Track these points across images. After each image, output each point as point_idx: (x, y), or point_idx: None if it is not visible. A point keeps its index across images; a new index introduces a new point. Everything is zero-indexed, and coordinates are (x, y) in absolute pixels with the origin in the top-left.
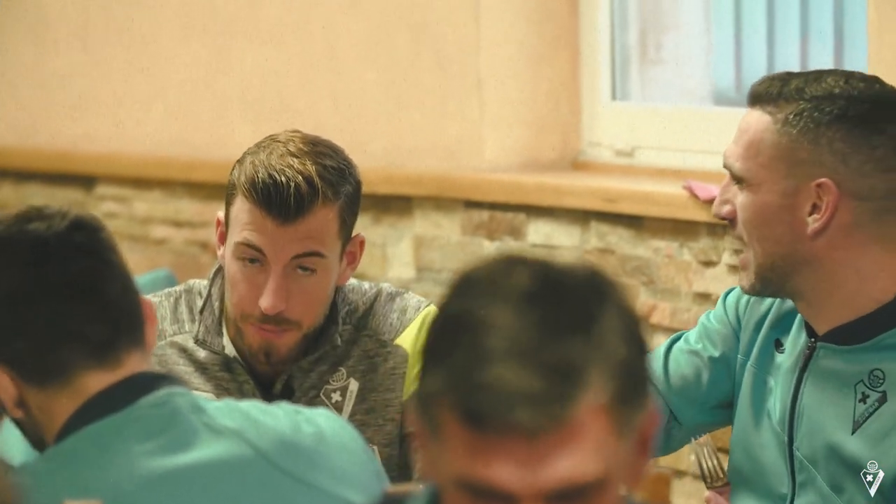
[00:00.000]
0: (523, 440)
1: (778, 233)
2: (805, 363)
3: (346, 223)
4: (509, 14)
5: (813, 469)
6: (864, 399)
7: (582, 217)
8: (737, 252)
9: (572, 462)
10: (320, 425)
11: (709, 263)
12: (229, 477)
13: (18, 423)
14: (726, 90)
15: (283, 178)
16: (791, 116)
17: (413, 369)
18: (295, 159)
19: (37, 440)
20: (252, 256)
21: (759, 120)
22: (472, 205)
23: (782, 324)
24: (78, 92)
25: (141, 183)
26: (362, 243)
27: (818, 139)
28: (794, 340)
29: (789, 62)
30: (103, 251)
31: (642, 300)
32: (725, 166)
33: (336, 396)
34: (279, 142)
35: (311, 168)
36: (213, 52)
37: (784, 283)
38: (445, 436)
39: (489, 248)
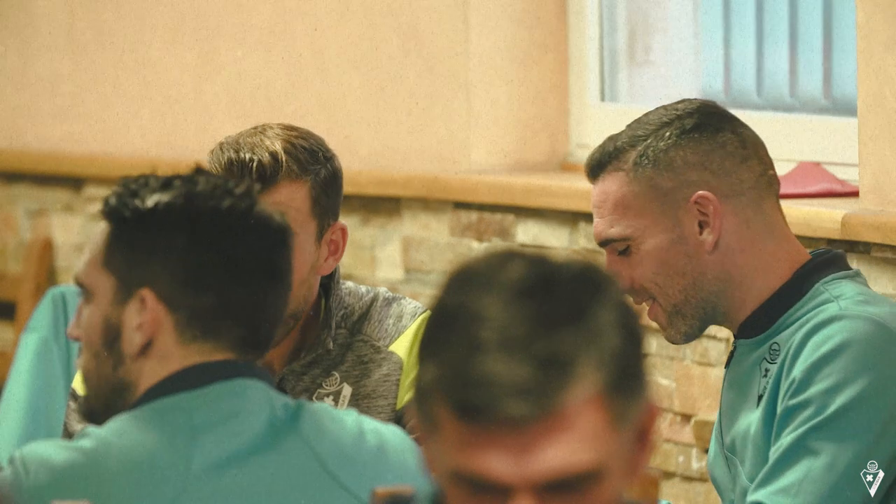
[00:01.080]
0: (514, 431)
1: (680, 266)
2: (728, 363)
3: (321, 204)
4: (497, 16)
5: (739, 465)
6: (765, 374)
7: (570, 218)
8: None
9: (564, 452)
10: (384, 438)
11: None
12: (285, 481)
13: (103, 363)
14: (715, 93)
15: (246, 154)
16: (638, 159)
17: (408, 377)
18: (266, 139)
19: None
20: None
21: (610, 182)
22: (460, 206)
23: None
24: (65, 94)
25: None
26: (344, 231)
27: (673, 163)
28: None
29: (778, 65)
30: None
31: (630, 301)
32: (602, 244)
33: (328, 401)
34: (255, 127)
35: (277, 145)
36: (200, 55)
37: (705, 312)
38: (441, 429)
39: (478, 249)
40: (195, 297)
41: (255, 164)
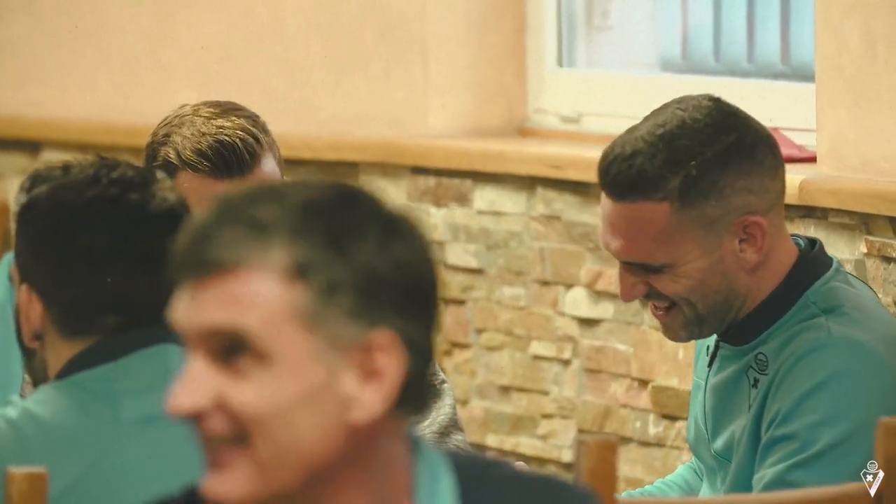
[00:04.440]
0: (197, 279)
1: (716, 285)
2: (711, 361)
3: (281, 166)
4: None
5: (728, 464)
6: (755, 384)
7: (528, 183)
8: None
9: (225, 305)
10: None
11: None
12: None
13: (25, 353)
14: (672, 57)
15: (226, 139)
16: (684, 189)
17: None
18: (220, 120)
19: (38, 374)
20: None
21: (648, 210)
22: (418, 171)
23: None
24: (23, 58)
25: (86, 148)
26: None
27: (722, 192)
28: (706, 341)
29: (735, 30)
30: None
31: (588, 266)
32: (633, 262)
33: None
34: (186, 115)
35: (238, 122)
36: (158, 19)
37: (729, 316)
38: None
39: (436, 214)
40: (64, 292)
41: (240, 145)
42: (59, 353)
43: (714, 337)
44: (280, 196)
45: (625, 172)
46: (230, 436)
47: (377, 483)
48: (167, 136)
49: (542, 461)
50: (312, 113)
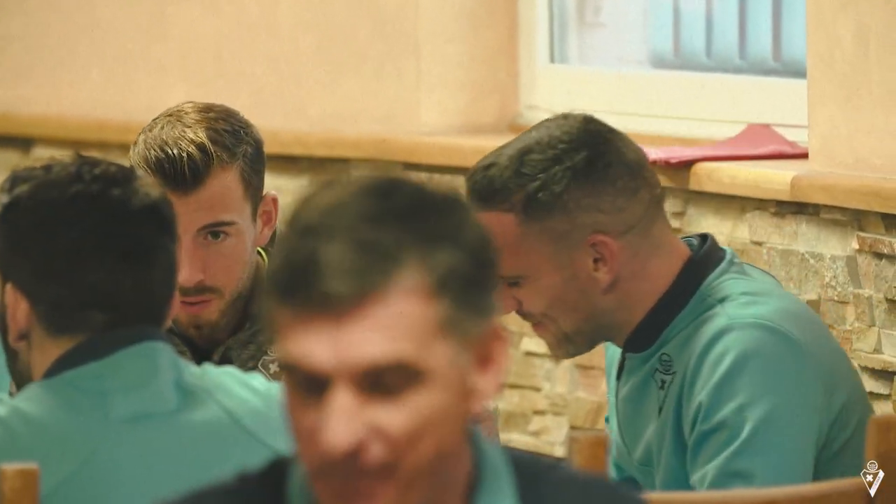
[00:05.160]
0: (331, 313)
1: (573, 302)
2: (619, 373)
3: (252, 184)
4: None
5: (655, 475)
6: (662, 385)
7: None
8: (676, 215)
9: (381, 337)
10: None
11: None
12: (203, 437)
13: (9, 354)
14: (664, 53)
15: (174, 151)
16: (528, 203)
17: None
18: (187, 129)
19: (22, 376)
20: None
21: (496, 221)
22: (410, 168)
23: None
24: (16, 55)
25: (78, 145)
26: (275, 201)
27: (566, 207)
28: (614, 356)
29: (727, 26)
30: (167, 238)
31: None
32: None
33: (274, 367)
34: (171, 115)
35: (202, 135)
36: (150, 15)
37: (595, 338)
38: (275, 326)
39: None
40: (49, 289)
41: (185, 160)
42: (46, 352)
43: (619, 349)
44: (372, 205)
45: (479, 182)
46: (385, 463)
47: (444, 471)
48: (141, 133)
49: None
50: (304, 109)
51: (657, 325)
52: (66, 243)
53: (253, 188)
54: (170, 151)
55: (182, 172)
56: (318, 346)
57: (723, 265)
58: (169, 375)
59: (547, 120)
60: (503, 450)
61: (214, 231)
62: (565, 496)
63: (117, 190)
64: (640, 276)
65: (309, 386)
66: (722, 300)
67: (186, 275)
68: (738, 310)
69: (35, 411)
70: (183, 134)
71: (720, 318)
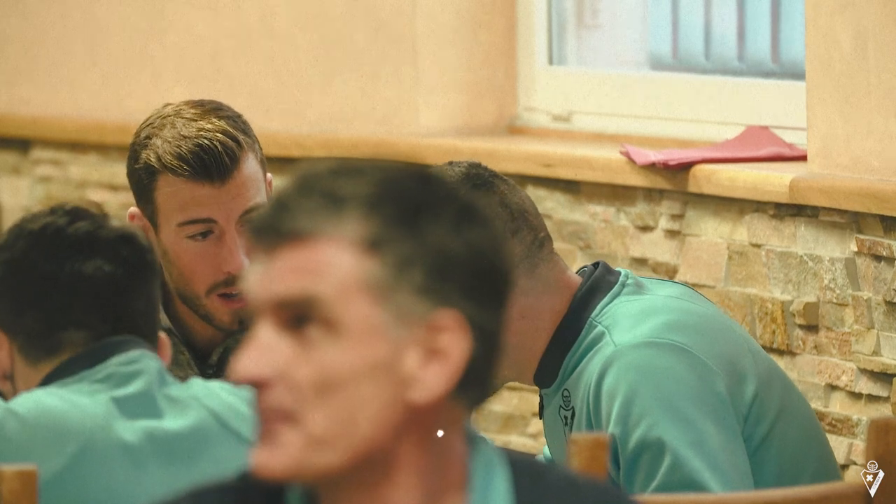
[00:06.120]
0: (268, 249)
1: None
2: (540, 410)
3: (264, 165)
4: None
5: None
6: (566, 422)
7: (518, 182)
8: (674, 217)
9: (296, 276)
10: None
11: (646, 228)
12: (191, 437)
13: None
14: (663, 55)
15: (206, 142)
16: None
17: None
18: (201, 122)
19: None
20: (204, 230)
21: None
22: None
23: None
24: (14, 56)
25: (77, 147)
26: (271, 183)
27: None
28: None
29: (726, 28)
30: (139, 269)
31: (579, 264)
32: None
33: None
34: (168, 116)
35: (220, 124)
36: (148, 16)
37: (499, 373)
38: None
39: None
40: (24, 319)
41: (220, 149)
42: (29, 381)
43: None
44: (360, 172)
45: None
46: (287, 409)
47: (431, 472)
48: (148, 137)
49: None
50: (302, 111)
51: (554, 359)
52: (38, 273)
53: (265, 169)
54: (203, 143)
55: (221, 161)
56: (252, 275)
57: (614, 289)
58: (156, 382)
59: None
60: (500, 449)
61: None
62: (561, 496)
63: (83, 222)
64: (527, 316)
65: (252, 314)
66: (609, 326)
67: (239, 263)
68: (623, 334)
69: (29, 404)
70: (203, 127)
71: (607, 346)
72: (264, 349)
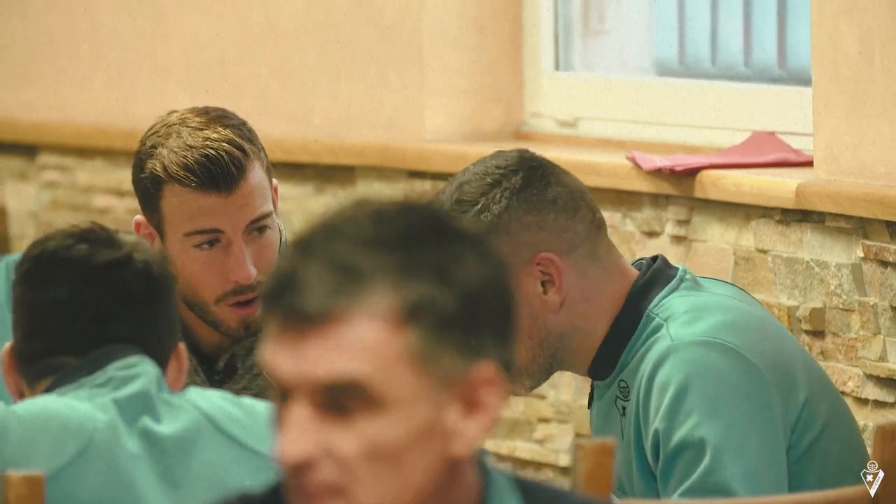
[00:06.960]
0: (299, 330)
1: (526, 329)
2: (590, 402)
3: (270, 172)
4: None
5: (625, 497)
6: (624, 412)
7: None
8: (680, 223)
9: (339, 356)
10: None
11: (652, 234)
12: (187, 441)
13: None
14: (669, 61)
15: (212, 152)
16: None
17: None
18: (207, 131)
19: None
20: (211, 239)
21: None
22: (414, 175)
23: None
24: (19, 61)
25: (83, 152)
26: (276, 190)
27: (508, 228)
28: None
29: (732, 34)
30: (156, 301)
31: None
32: None
33: None
34: (173, 125)
35: (225, 133)
36: (153, 21)
37: (551, 366)
38: (264, 332)
39: None
40: (30, 344)
41: (226, 159)
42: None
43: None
44: (365, 230)
45: None
46: (336, 484)
47: (450, 502)
48: (154, 147)
49: (538, 465)
50: (309, 117)
51: (612, 351)
52: (44, 299)
53: (270, 176)
54: (210, 153)
55: (228, 171)
56: (283, 358)
57: (672, 283)
58: (155, 384)
59: (483, 157)
60: (512, 476)
61: (260, 226)
62: None
63: (83, 246)
64: (590, 299)
65: (280, 394)
66: (666, 320)
67: (248, 272)
68: (680, 329)
69: (31, 405)
70: (208, 136)
71: (664, 339)
72: (305, 429)
